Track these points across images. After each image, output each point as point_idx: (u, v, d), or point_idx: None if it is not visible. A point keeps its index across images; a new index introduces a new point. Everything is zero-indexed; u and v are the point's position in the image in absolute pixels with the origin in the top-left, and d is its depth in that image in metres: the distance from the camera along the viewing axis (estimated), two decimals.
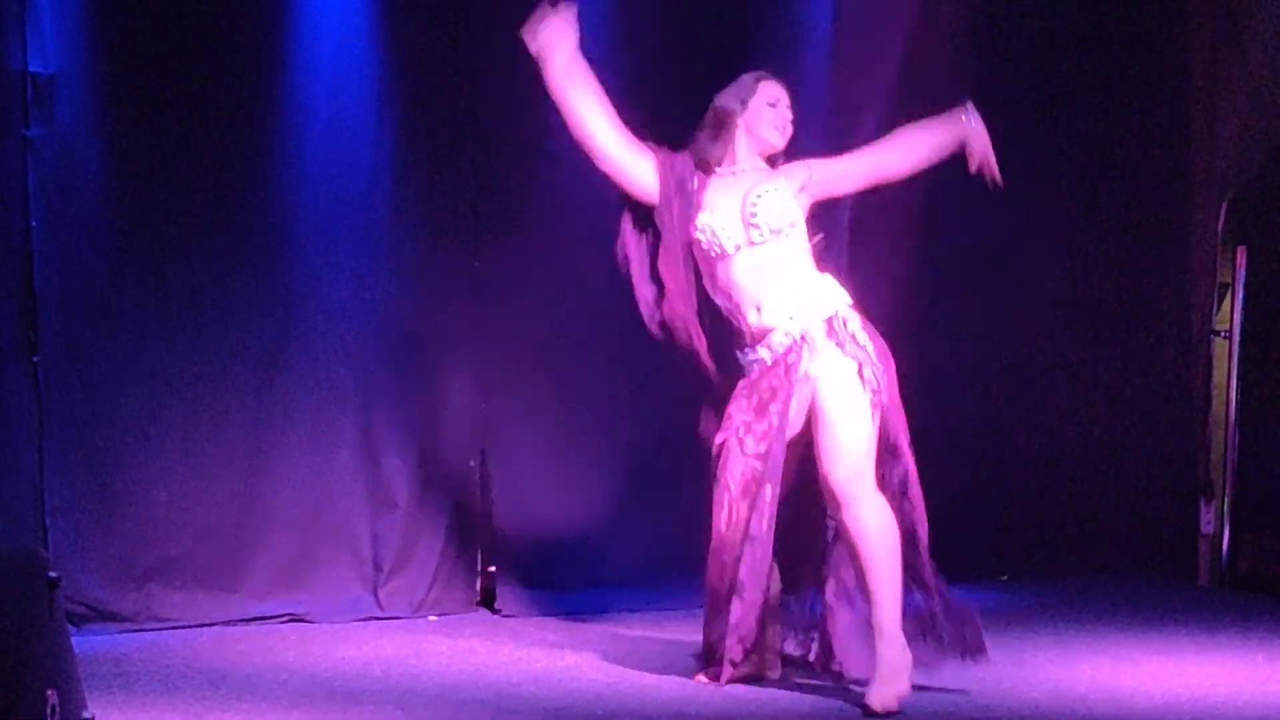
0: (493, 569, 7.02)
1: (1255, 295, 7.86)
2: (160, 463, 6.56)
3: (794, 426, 5.57)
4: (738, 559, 5.53)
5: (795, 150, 5.86)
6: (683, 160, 5.74)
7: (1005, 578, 7.76)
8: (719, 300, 5.70)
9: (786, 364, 5.55)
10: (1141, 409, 7.97)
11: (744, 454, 5.58)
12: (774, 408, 5.54)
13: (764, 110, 5.75)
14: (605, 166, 5.75)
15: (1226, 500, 7.94)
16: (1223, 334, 7.96)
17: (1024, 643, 6.38)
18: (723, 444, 5.62)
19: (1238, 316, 7.90)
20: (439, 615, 6.87)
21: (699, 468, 6.81)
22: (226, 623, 6.61)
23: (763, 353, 5.60)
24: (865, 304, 7.58)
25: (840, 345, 5.58)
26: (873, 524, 5.50)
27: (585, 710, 5.39)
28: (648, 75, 6.97)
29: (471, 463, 6.95)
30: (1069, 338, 7.91)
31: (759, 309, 5.61)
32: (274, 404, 6.71)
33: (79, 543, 6.43)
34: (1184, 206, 7.98)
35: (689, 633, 6.51)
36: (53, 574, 4.08)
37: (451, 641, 6.40)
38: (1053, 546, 7.86)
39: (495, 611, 6.95)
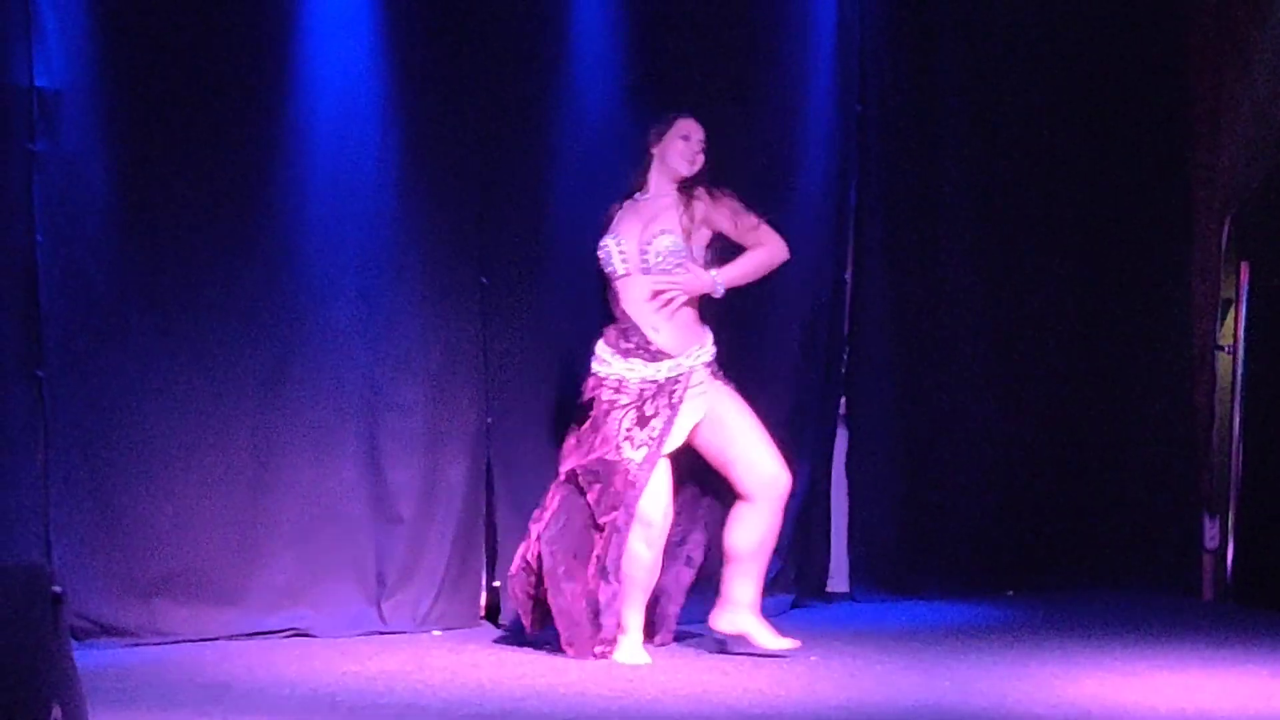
0: (497, 583, 7.02)
1: (1258, 310, 7.85)
2: (164, 477, 6.55)
3: (672, 445, 6.30)
4: (604, 546, 6.24)
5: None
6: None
7: (1010, 592, 7.76)
8: (618, 315, 6.40)
9: (671, 390, 6.29)
10: (1145, 424, 7.97)
11: (622, 457, 6.27)
12: (656, 423, 6.27)
13: (676, 143, 6.40)
14: None
15: (1230, 515, 7.92)
16: (1226, 349, 7.95)
17: (1028, 658, 6.37)
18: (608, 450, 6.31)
19: (1241, 331, 7.89)
20: (443, 630, 6.87)
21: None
22: (230, 637, 6.61)
23: (653, 371, 6.30)
24: (868, 315, 7.63)
25: (715, 377, 6.39)
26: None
27: None
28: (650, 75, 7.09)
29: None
30: (1072, 353, 7.91)
31: (656, 331, 6.34)
32: (278, 419, 6.71)
33: (83, 557, 6.42)
34: (1187, 221, 7.98)
35: (694, 647, 6.51)
36: (57, 589, 4.07)
37: (455, 656, 6.39)
38: (1057, 561, 7.86)
39: (499, 626, 6.94)
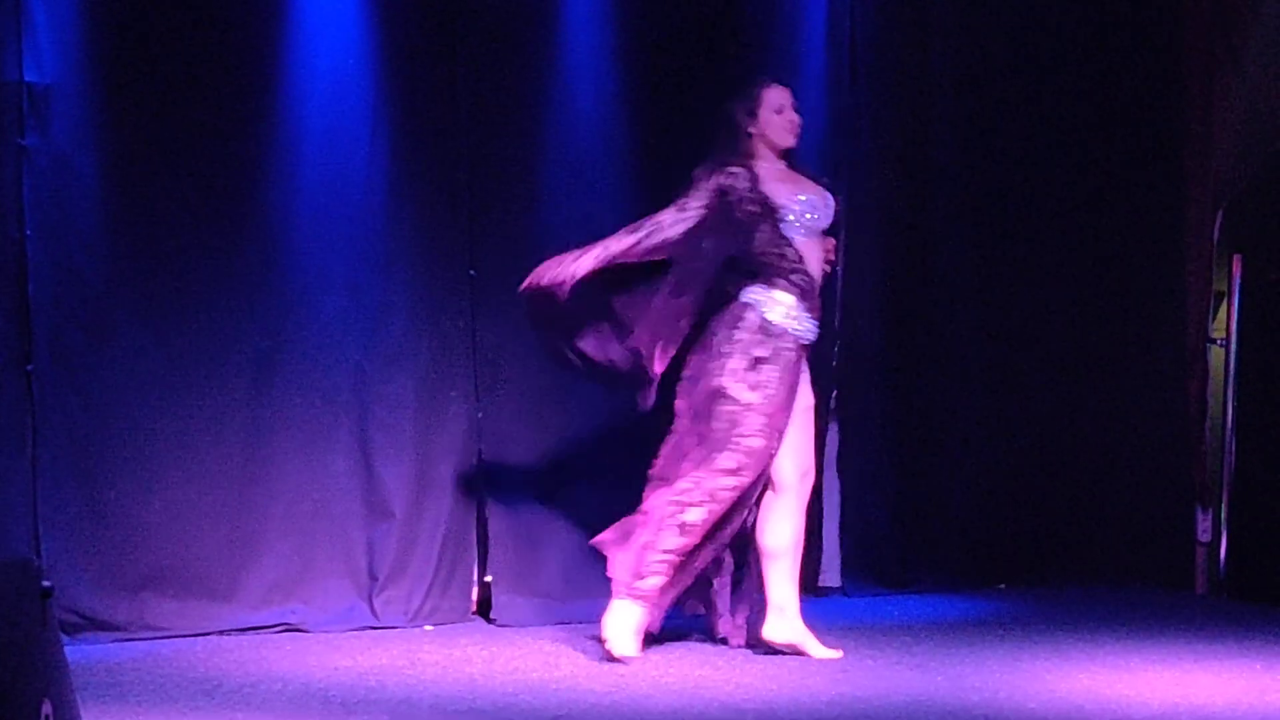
0: (489, 578, 7.02)
1: (1251, 303, 7.85)
2: (154, 472, 6.55)
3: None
4: (727, 518, 6.18)
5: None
6: (725, 178, 6.18)
7: (1002, 586, 7.76)
8: (797, 278, 6.14)
9: (801, 357, 6.24)
10: (1138, 417, 7.97)
11: (767, 414, 6.15)
12: (802, 388, 6.24)
13: (773, 118, 6.26)
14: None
15: (1223, 508, 7.93)
16: (1219, 342, 7.96)
17: (1021, 652, 6.37)
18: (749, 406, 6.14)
19: (1233, 324, 7.89)
20: (435, 625, 6.86)
21: None
22: (221, 632, 6.61)
23: (810, 336, 6.24)
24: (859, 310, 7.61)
25: None
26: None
27: None
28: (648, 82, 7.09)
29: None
30: (1064, 346, 7.91)
31: (819, 294, 6.26)
32: (269, 413, 6.71)
33: (72, 552, 6.42)
34: (1179, 214, 7.98)
35: (685, 642, 6.50)
36: (46, 583, 4.06)
37: (447, 651, 6.39)
38: (1049, 555, 7.86)
39: (491, 621, 6.94)
